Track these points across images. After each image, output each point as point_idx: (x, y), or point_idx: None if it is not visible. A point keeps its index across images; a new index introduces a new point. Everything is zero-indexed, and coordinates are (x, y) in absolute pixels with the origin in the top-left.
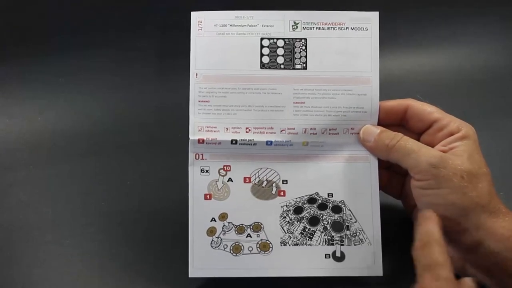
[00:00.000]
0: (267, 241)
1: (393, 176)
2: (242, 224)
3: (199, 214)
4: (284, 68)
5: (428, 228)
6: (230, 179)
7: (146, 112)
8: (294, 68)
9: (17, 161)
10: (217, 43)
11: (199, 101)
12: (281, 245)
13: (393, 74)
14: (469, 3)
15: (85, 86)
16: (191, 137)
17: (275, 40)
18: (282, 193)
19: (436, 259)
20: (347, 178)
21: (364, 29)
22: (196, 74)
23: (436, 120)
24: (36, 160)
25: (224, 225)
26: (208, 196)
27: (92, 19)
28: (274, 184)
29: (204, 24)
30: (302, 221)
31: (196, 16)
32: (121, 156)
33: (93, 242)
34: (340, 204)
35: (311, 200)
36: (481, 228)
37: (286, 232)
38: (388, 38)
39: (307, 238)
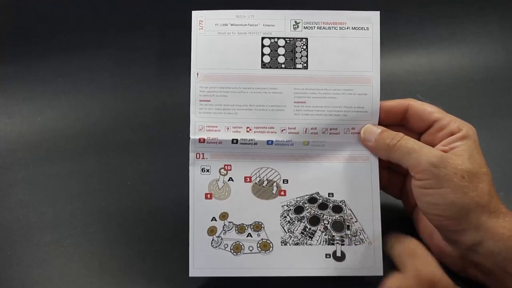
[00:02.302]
0: (268, 241)
1: (393, 176)
2: (243, 224)
3: (200, 213)
4: (285, 68)
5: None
6: (230, 179)
7: (146, 112)
8: (295, 68)
9: (17, 161)
10: (218, 43)
11: (200, 101)
12: (281, 245)
13: (393, 74)
14: (469, 3)
15: (85, 86)
16: (192, 136)
17: (276, 40)
18: (282, 193)
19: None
20: (347, 178)
21: (365, 28)
22: (197, 73)
23: (436, 120)
24: (36, 160)
25: (224, 224)
26: (208, 195)
27: (92, 19)
28: (274, 184)
29: (205, 24)
30: (303, 221)
31: (196, 16)
32: (121, 156)
33: (93, 242)
34: (341, 203)
35: (312, 199)
36: (481, 228)
37: (287, 231)
38: (388, 38)
39: (308, 238)
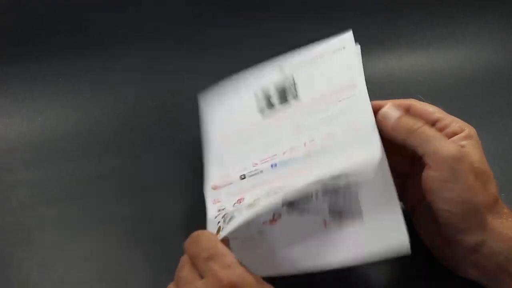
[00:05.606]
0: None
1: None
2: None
3: None
4: (279, 103)
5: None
6: None
7: (146, 112)
8: (287, 101)
9: (17, 161)
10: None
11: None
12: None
13: (393, 74)
14: (469, 3)
15: (85, 86)
16: (207, 191)
17: (267, 89)
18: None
19: (218, 249)
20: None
21: (342, 48)
22: None
23: (438, 119)
24: (36, 160)
25: None
26: None
27: (92, 19)
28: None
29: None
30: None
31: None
32: (121, 156)
33: (93, 243)
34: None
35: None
36: (486, 228)
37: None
38: (388, 38)
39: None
